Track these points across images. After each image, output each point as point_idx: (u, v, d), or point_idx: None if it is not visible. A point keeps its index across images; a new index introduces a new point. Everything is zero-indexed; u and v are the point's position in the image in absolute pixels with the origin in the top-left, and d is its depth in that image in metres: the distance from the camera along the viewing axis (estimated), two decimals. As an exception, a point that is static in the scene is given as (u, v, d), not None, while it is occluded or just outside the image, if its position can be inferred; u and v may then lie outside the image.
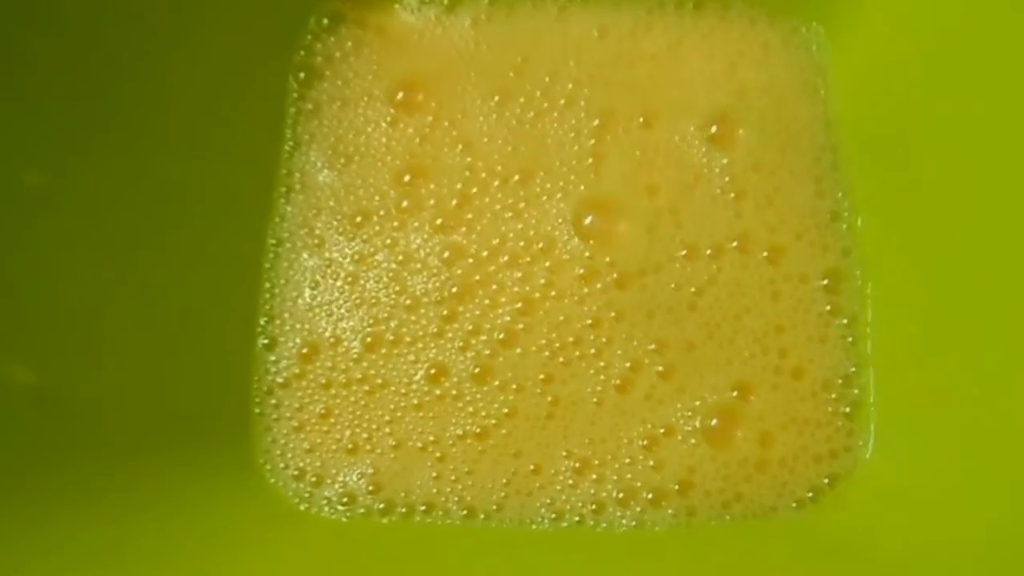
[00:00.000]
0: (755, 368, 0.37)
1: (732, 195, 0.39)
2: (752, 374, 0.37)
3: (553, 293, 0.38)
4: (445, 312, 0.38)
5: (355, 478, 0.37)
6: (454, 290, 0.38)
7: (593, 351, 0.37)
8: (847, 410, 0.37)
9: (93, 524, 0.31)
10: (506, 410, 0.37)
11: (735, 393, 0.37)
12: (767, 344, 0.38)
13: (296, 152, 0.39)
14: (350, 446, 0.37)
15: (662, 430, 0.37)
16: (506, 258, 0.39)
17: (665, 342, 0.38)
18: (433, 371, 0.38)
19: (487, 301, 0.38)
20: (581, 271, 0.38)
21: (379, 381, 0.38)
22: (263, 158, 0.39)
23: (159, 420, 0.35)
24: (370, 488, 0.37)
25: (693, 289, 0.38)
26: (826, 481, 0.36)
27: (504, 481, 0.36)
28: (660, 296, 0.38)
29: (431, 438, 0.37)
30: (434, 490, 0.36)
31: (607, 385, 0.37)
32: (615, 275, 0.38)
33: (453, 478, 0.37)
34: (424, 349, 0.38)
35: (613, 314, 0.38)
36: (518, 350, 0.38)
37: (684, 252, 0.39)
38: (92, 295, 0.33)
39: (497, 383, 0.37)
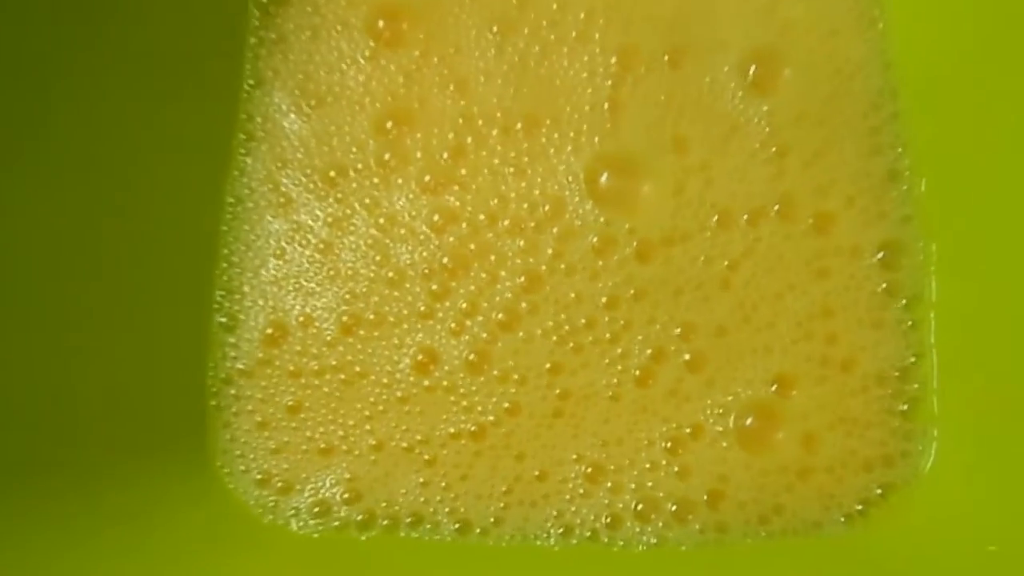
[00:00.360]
0: (798, 358, 0.33)
1: (773, 150, 0.34)
2: (794, 365, 0.33)
3: (562, 266, 0.34)
4: (435, 287, 0.34)
5: (329, 484, 0.33)
6: (445, 261, 0.34)
7: (608, 336, 0.33)
8: (904, 408, 0.33)
9: (15, 544, 0.28)
10: (506, 405, 0.33)
11: (774, 387, 0.33)
12: (812, 329, 0.33)
13: (257, 92, 0.35)
14: (323, 446, 0.33)
15: (688, 430, 0.33)
16: (507, 223, 0.34)
17: (693, 326, 0.33)
18: (421, 358, 0.34)
19: (484, 275, 0.34)
20: (595, 240, 0.34)
21: (357, 369, 0.34)
22: (218, 99, 0.34)
23: (97, 415, 0.31)
24: (346, 496, 0.33)
25: (726, 263, 0.34)
26: (879, 492, 0.32)
27: (504, 489, 0.33)
28: (688, 271, 0.34)
29: (418, 437, 0.33)
30: (422, 499, 0.33)
31: (625, 377, 0.33)
32: (635, 245, 0.34)
33: (444, 485, 0.33)
34: (410, 332, 0.34)
35: (632, 292, 0.33)
36: (520, 334, 0.33)
37: (716, 218, 0.34)
38: (20, 263, 0.29)
39: (496, 373, 0.33)
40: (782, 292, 0.34)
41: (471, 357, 0.34)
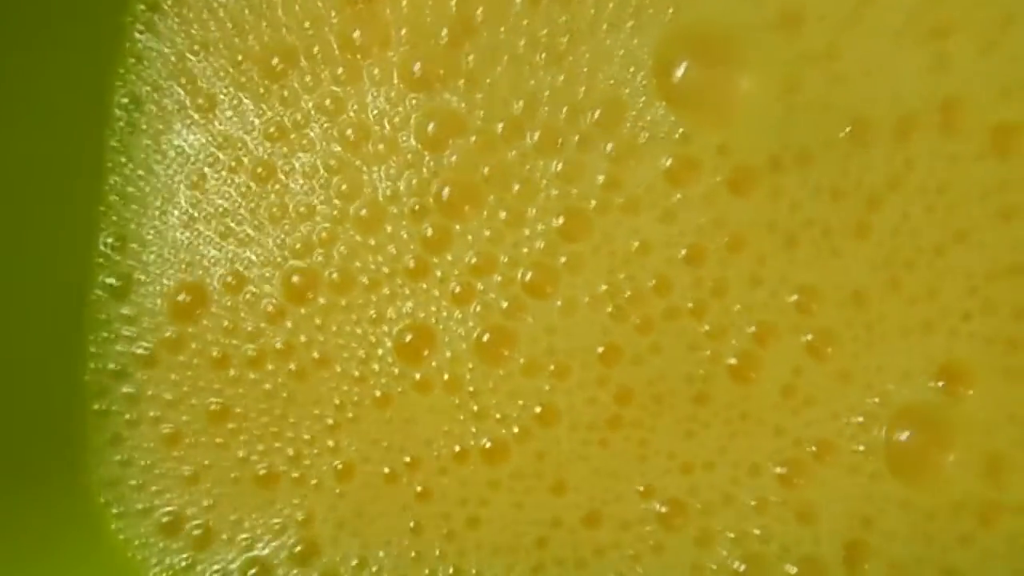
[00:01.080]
0: (974, 340, 0.26)
1: (929, 29, 0.26)
2: (969, 351, 0.26)
3: (619, 200, 0.26)
4: (429, 232, 0.27)
5: (273, 532, 0.27)
6: (445, 193, 0.27)
7: (690, 306, 0.26)
8: None
9: None
10: (537, 409, 0.26)
11: (940, 383, 0.26)
12: (994, 297, 0.26)
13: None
14: (263, 472, 0.27)
15: (812, 449, 0.26)
16: (536, 137, 0.27)
17: (815, 292, 0.26)
18: (409, 338, 0.27)
19: (503, 213, 0.27)
20: (668, 163, 0.27)
21: (315, 356, 0.27)
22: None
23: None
24: (298, 551, 0.27)
25: (865, 198, 0.26)
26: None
27: (535, 537, 0.26)
28: (807, 209, 0.26)
29: (406, 459, 0.27)
30: (412, 554, 0.26)
31: (715, 369, 0.26)
32: (728, 171, 0.26)
33: (445, 532, 0.27)
34: (393, 299, 0.27)
35: (725, 240, 0.26)
36: (558, 302, 0.26)
37: (848, 130, 0.26)
38: None
39: (521, 361, 0.26)
40: (947, 242, 0.26)
41: (484, 338, 0.27)
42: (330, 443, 0.26)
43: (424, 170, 0.27)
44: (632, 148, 0.27)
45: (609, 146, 0.27)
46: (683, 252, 0.26)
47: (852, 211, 0.26)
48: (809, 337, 0.26)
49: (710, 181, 0.26)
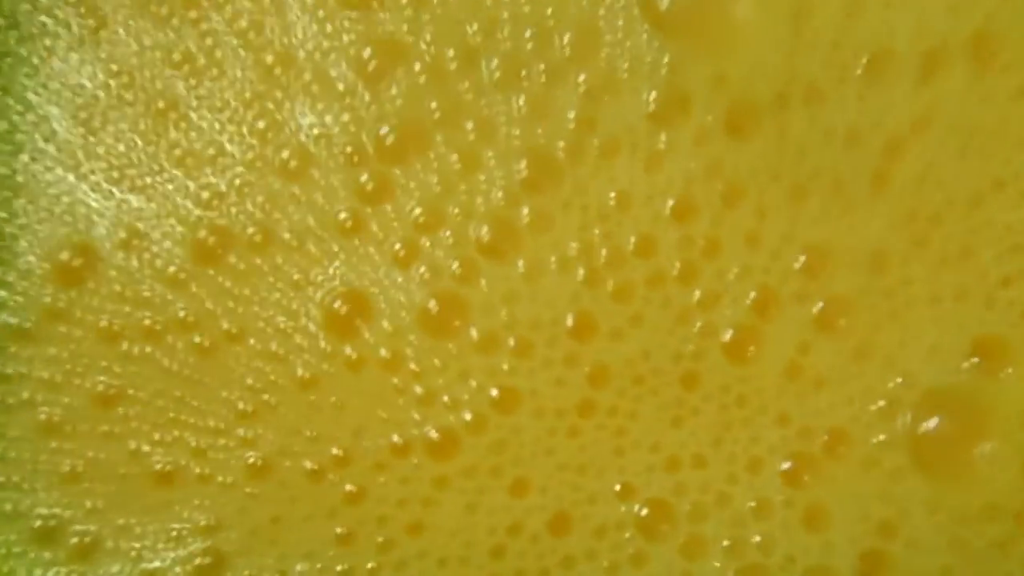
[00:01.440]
0: (1015, 309, 0.23)
1: None
2: (1006, 323, 0.23)
3: (594, 142, 0.23)
4: (366, 179, 0.23)
5: (172, 540, 0.23)
6: (385, 133, 0.23)
7: (678, 270, 0.23)
8: None
9: None
10: (494, 392, 0.23)
11: (974, 361, 0.23)
12: None
13: None
14: (160, 467, 0.23)
15: (823, 439, 0.23)
16: (494, 67, 0.23)
17: (826, 251, 0.23)
18: (339, 307, 0.23)
19: (454, 159, 0.23)
20: (652, 96, 0.23)
21: (226, 327, 0.23)
22: None
23: None
24: (202, 562, 0.23)
25: (883, 140, 0.24)
26: None
27: (491, 546, 0.23)
28: (815, 153, 0.23)
29: (334, 451, 0.23)
30: (340, 566, 0.23)
31: (706, 343, 0.23)
32: (723, 109, 0.23)
33: (380, 540, 0.23)
34: (321, 259, 0.23)
35: (719, 189, 0.23)
36: (519, 264, 0.23)
37: (865, 62, 0.24)
38: None
39: (474, 334, 0.23)
40: (982, 192, 0.23)
41: (431, 306, 0.24)
42: (242, 433, 0.23)
43: (360, 107, 0.23)
44: (610, 82, 0.23)
45: (582, 79, 0.23)
46: (670, 205, 0.23)
47: (869, 158, 0.23)
48: (819, 306, 0.23)
49: (702, 121, 0.23)
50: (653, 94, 0.23)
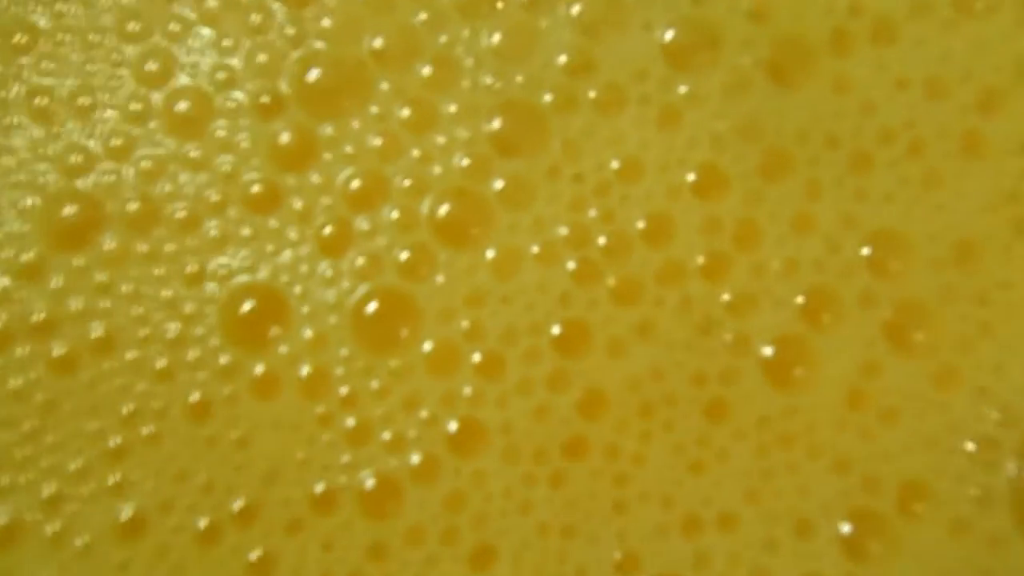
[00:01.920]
0: None
1: None
2: None
3: (591, 92, 0.19)
4: (284, 136, 0.18)
5: None
6: (311, 75, 0.18)
7: (701, 261, 0.18)
8: None
9: None
10: (452, 425, 0.18)
11: None
12: None
13: None
14: (2, 522, 0.18)
15: (897, 492, 0.18)
16: None
17: (897, 240, 0.18)
18: (247, 306, 0.18)
19: (402, 110, 0.18)
20: (669, 34, 0.19)
21: (95, 334, 0.18)
22: None
23: None
24: None
25: (974, 90, 0.19)
26: None
27: None
28: (888, 109, 0.18)
29: (236, 504, 0.17)
30: None
31: (738, 360, 0.18)
32: (764, 47, 0.19)
33: None
34: (222, 243, 0.18)
35: (756, 162, 0.18)
36: (488, 252, 0.18)
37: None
38: None
39: (426, 346, 0.18)
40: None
41: (368, 308, 0.18)
42: (113, 479, 0.17)
43: (278, 39, 0.18)
44: (613, 9, 0.19)
45: (576, 9, 0.18)
46: (691, 177, 0.18)
47: (957, 115, 0.19)
48: (888, 314, 0.18)
49: (735, 64, 0.18)
50: (670, 31, 0.19)
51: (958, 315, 0.18)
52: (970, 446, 0.17)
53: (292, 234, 0.17)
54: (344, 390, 0.17)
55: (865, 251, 0.18)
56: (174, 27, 0.18)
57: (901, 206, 0.18)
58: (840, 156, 0.18)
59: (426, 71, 0.18)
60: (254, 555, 0.17)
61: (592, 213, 0.17)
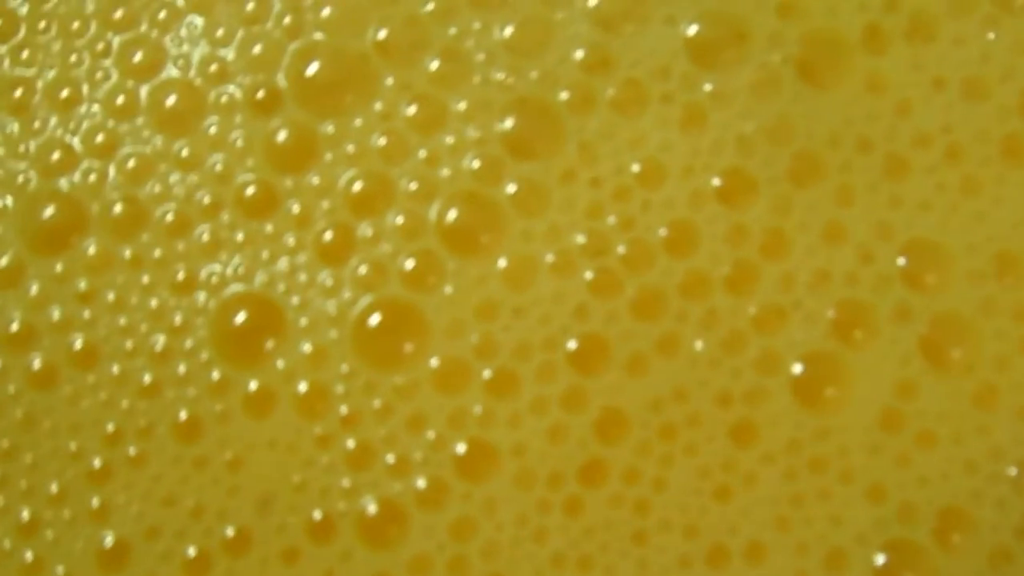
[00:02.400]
0: None
1: None
2: None
3: (609, 90, 0.18)
4: (280, 133, 0.18)
5: None
6: (311, 68, 0.18)
7: (727, 272, 0.18)
8: None
9: None
10: (460, 447, 0.17)
11: None
12: None
13: None
14: None
15: (935, 522, 0.17)
16: None
17: (935, 250, 0.18)
18: (241, 317, 0.17)
19: (408, 107, 0.17)
20: (693, 29, 0.19)
21: (75, 346, 0.17)
22: None
23: None
24: None
25: (1016, 91, 0.18)
26: None
27: None
28: (927, 107, 0.18)
29: (227, 531, 0.17)
30: None
31: (766, 379, 0.17)
32: (794, 44, 0.18)
33: None
34: (214, 249, 0.17)
35: (788, 161, 0.18)
36: (499, 261, 0.17)
37: None
38: None
39: (433, 362, 0.17)
40: None
41: (371, 321, 0.17)
42: (94, 502, 0.16)
43: (275, 29, 0.17)
44: (633, 3, 0.18)
45: (594, 1, 0.18)
46: (716, 182, 0.17)
47: (997, 116, 0.18)
48: (923, 329, 0.17)
49: (764, 62, 0.18)
50: (694, 26, 0.18)
51: (997, 331, 0.17)
52: (1012, 471, 0.16)
53: (289, 240, 0.17)
54: (344, 409, 0.16)
55: (900, 262, 0.17)
56: (163, 15, 0.18)
57: (938, 214, 0.17)
58: (874, 161, 0.17)
59: (434, 65, 0.17)
60: (247, 585, 0.16)
61: (611, 220, 0.17)
